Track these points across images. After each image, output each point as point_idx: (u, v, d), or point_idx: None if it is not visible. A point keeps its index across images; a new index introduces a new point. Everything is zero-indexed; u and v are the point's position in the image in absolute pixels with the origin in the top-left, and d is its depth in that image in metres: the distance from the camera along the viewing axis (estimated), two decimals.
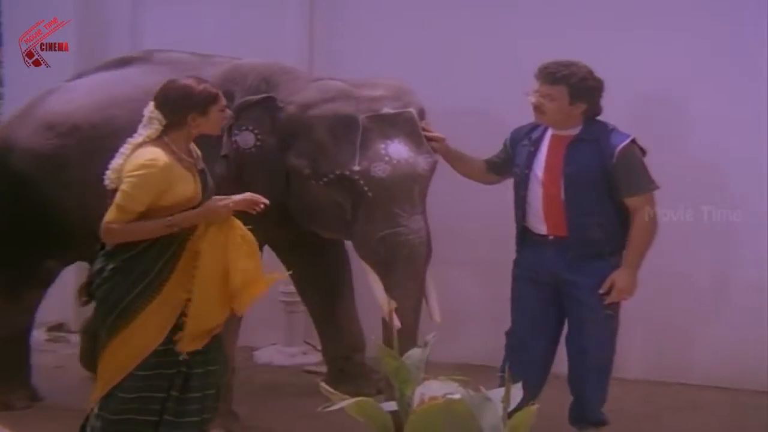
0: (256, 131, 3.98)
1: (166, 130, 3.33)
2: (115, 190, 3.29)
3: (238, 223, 3.40)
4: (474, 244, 5.10)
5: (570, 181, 3.92)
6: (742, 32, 4.90)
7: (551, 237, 3.98)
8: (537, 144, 4.03)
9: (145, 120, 3.36)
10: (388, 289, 3.89)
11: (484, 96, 5.08)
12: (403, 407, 2.92)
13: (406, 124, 4.01)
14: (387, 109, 3.99)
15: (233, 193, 3.83)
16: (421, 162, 3.99)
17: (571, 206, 3.92)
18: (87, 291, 3.41)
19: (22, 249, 4.54)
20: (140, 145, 3.32)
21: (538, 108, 3.95)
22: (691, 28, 4.95)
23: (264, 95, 4.00)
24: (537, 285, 4.04)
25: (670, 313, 5.10)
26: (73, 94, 4.52)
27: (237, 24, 5.69)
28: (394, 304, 3.77)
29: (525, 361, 3.99)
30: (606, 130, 3.97)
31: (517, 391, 2.96)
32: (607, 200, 3.94)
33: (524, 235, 4.08)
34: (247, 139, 3.97)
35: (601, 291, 3.92)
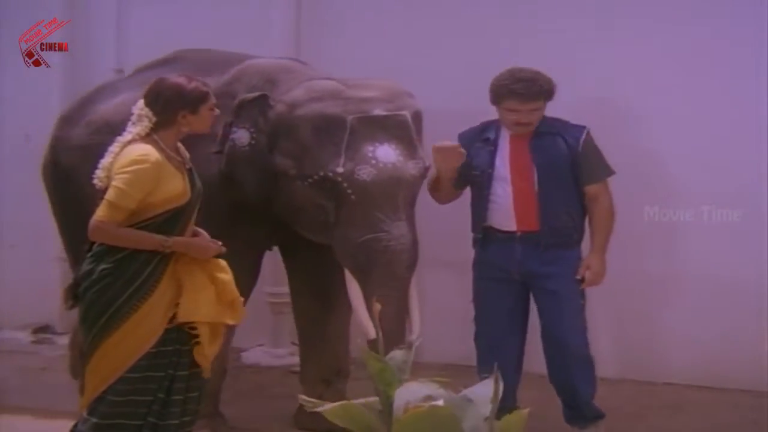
0: (251, 130, 3.92)
1: (156, 127, 3.32)
2: (105, 189, 3.27)
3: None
4: (457, 244, 5.09)
5: (543, 173, 4.03)
6: (742, 33, 4.91)
7: (519, 233, 4.04)
8: (495, 144, 4.10)
9: (134, 117, 3.34)
10: (368, 296, 3.79)
11: (470, 94, 5.06)
12: (386, 409, 2.90)
13: (397, 127, 3.89)
14: (378, 111, 3.88)
15: (226, 192, 3.91)
16: (410, 167, 3.88)
17: (544, 198, 4.02)
18: (73, 294, 3.37)
19: (70, 238, 4.56)
20: (129, 142, 3.31)
21: (527, 125, 4.04)
22: (692, 30, 4.96)
23: (258, 93, 3.95)
24: (505, 284, 4.09)
25: (661, 312, 5.11)
26: (113, 92, 4.54)
27: (223, 19, 5.66)
28: (378, 307, 3.74)
29: (500, 361, 4.00)
30: (562, 122, 4.13)
31: (495, 387, 2.93)
32: (573, 189, 4.07)
33: (486, 235, 4.10)
34: (242, 137, 3.92)
35: (577, 276, 4.02)
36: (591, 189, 4.08)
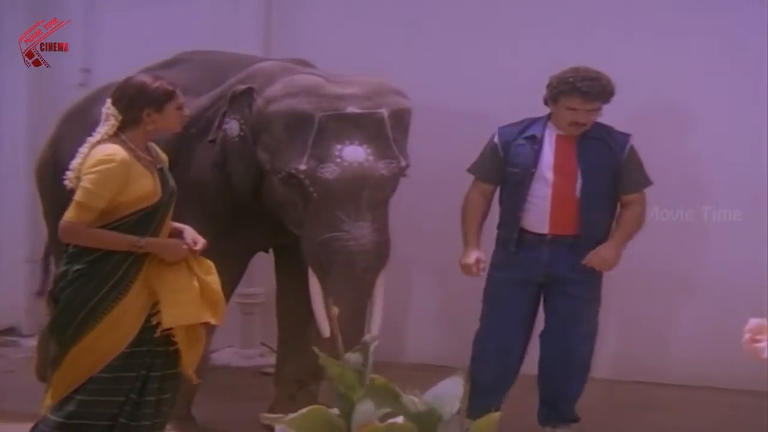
0: (241, 121, 3.92)
1: (123, 127, 3.30)
2: (75, 190, 3.25)
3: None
4: (437, 245, 5.06)
5: (587, 178, 3.97)
6: (742, 33, 4.93)
7: (550, 236, 3.99)
8: (540, 143, 4.02)
9: (102, 117, 3.33)
10: (326, 295, 3.75)
11: (442, 92, 5.07)
12: (346, 414, 2.87)
13: (371, 126, 3.81)
14: (352, 109, 3.79)
15: (225, 191, 3.94)
16: (380, 167, 3.79)
17: (586, 203, 3.97)
18: (54, 297, 3.34)
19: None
20: (98, 143, 3.29)
21: (583, 126, 3.99)
22: (691, 30, 4.98)
23: (245, 86, 3.93)
24: (524, 286, 4.05)
25: (660, 312, 5.13)
26: None
27: (192, 18, 5.65)
28: (336, 311, 3.70)
29: (506, 364, 4.04)
30: (607, 128, 4.07)
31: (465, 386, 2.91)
32: (612, 196, 4.04)
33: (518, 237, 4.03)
34: (233, 127, 3.92)
35: (583, 262, 3.97)
36: (629, 197, 4.05)
